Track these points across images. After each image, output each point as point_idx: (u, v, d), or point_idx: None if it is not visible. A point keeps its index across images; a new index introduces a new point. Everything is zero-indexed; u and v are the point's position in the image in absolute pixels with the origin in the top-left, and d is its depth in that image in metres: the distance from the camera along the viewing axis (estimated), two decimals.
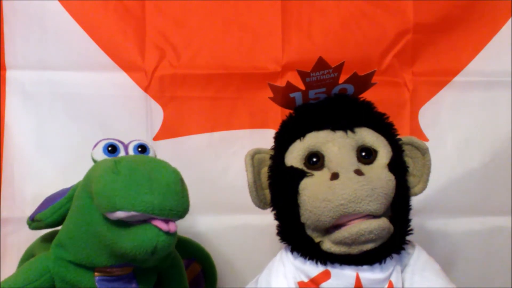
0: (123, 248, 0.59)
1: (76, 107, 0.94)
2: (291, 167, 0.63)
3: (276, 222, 0.68)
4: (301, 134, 0.64)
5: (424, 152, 0.64)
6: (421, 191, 0.65)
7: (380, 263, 0.62)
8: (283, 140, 0.66)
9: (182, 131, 0.95)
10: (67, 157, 0.92)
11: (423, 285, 0.63)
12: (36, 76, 0.93)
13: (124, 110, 0.94)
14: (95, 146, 0.68)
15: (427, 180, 0.65)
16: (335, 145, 0.61)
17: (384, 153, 0.62)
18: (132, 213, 0.57)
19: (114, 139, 0.69)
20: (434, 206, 0.91)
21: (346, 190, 0.57)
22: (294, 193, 0.62)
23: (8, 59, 0.93)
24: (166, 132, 0.95)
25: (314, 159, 0.62)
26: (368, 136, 0.63)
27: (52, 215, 0.68)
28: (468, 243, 0.94)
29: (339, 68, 0.61)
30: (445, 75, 0.94)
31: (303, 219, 0.62)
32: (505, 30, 0.93)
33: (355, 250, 0.60)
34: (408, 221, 0.64)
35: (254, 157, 0.67)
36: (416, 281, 0.63)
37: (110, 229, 0.60)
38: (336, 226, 0.60)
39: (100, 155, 0.67)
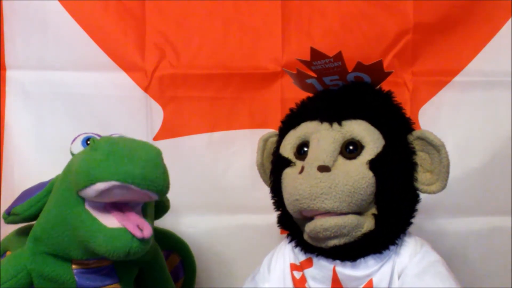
0: (96, 250, 0.58)
1: (76, 107, 0.94)
2: (280, 155, 0.64)
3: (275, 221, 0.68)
4: (296, 124, 0.65)
5: (438, 148, 0.59)
6: (439, 190, 0.60)
7: (355, 260, 0.60)
8: (283, 128, 0.67)
9: (182, 131, 0.95)
10: (67, 157, 0.92)
11: None
12: (36, 76, 0.94)
13: (124, 110, 0.94)
14: (73, 140, 0.68)
15: (445, 179, 0.60)
16: (317, 137, 0.61)
17: (371, 148, 0.59)
18: (113, 182, 0.54)
19: (92, 133, 0.68)
20: (434, 206, 0.91)
21: (303, 186, 0.57)
22: (279, 181, 0.63)
23: (8, 59, 0.93)
24: (166, 132, 0.95)
25: (303, 149, 0.62)
26: (357, 130, 0.60)
27: (29, 208, 0.66)
28: (468, 243, 0.94)
29: (338, 57, 0.60)
30: (445, 75, 0.94)
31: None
32: (505, 30, 0.93)
33: (322, 244, 0.60)
34: (400, 219, 0.61)
35: (268, 140, 0.69)
36: (414, 284, 0.58)
37: (85, 227, 0.59)
38: (309, 218, 0.60)
39: (79, 149, 0.66)
